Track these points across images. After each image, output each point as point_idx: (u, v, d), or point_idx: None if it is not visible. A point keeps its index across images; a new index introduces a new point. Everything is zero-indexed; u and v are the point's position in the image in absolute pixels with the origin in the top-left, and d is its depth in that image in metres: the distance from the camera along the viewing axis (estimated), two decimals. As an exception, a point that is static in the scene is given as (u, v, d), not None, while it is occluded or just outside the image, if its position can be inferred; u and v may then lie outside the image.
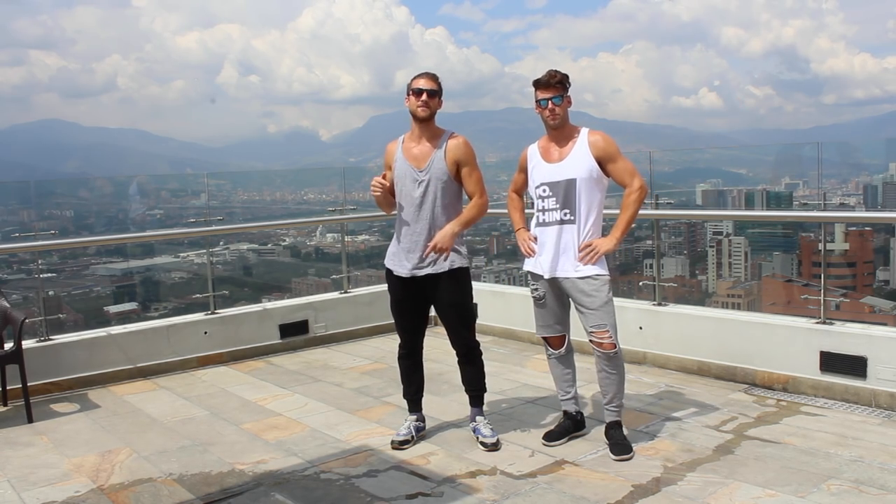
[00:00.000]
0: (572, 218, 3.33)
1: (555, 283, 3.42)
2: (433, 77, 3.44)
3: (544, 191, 3.39)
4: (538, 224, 3.45)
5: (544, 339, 3.58)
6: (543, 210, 3.41)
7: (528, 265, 3.52)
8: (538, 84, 3.34)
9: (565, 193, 3.32)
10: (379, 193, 3.49)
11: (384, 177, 3.52)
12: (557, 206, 3.34)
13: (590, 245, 3.30)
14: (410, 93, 3.42)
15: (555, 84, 3.30)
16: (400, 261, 3.48)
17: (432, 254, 3.39)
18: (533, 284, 3.51)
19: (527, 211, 3.69)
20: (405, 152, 3.47)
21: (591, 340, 3.37)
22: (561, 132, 3.38)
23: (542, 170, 3.42)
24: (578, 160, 3.32)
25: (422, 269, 3.43)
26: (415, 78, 3.46)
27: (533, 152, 3.49)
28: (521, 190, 3.68)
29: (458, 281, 3.46)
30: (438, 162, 3.41)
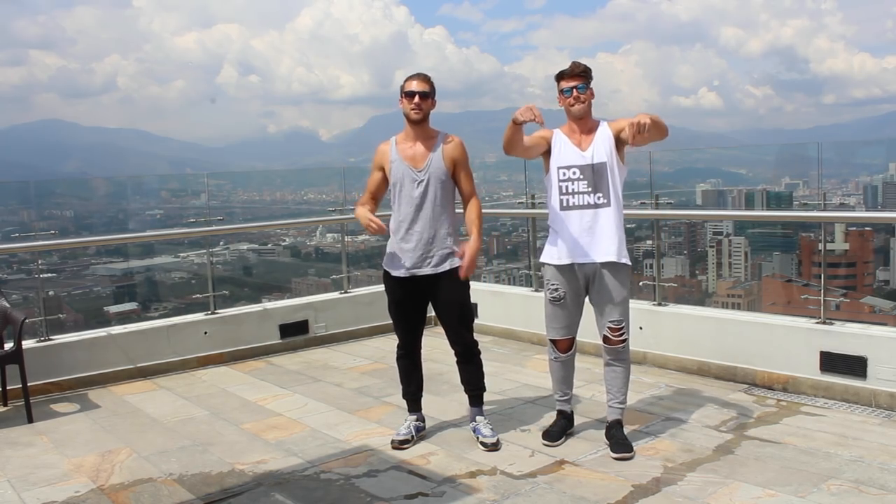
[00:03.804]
0: (606, 202, 3.31)
1: (577, 278, 3.36)
2: (425, 78, 3.44)
3: (574, 173, 3.33)
4: (562, 208, 3.35)
5: (552, 341, 3.51)
6: (571, 193, 3.34)
7: (550, 258, 3.41)
8: (563, 75, 3.34)
9: (597, 177, 3.30)
10: (375, 229, 3.36)
11: (372, 210, 3.49)
12: (589, 189, 3.31)
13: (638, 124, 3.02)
14: (403, 95, 3.43)
15: (579, 73, 3.31)
16: (399, 261, 3.48)
17: (438, 253, 3.41)
18: (553, 284, 3.41)
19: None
20: (401, 153, 3.47)
21: (604, 336, 3.37)
22: (585, 123, 3.37)
23: (569, 152, 3.34)
24: (603, 145, 3.33)
25: (421, 269, 3.44)
26: (406, 80, 3.46)
27: (559, 134, 3.41)
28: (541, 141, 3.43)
29: (458, 280, 3.45)
30: (437, 161, 3.43)
